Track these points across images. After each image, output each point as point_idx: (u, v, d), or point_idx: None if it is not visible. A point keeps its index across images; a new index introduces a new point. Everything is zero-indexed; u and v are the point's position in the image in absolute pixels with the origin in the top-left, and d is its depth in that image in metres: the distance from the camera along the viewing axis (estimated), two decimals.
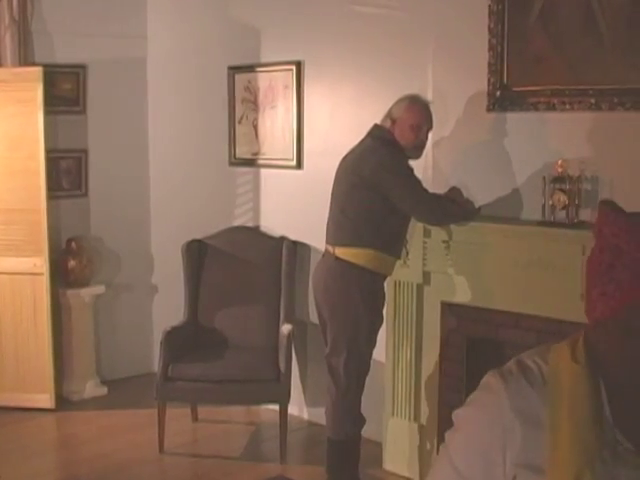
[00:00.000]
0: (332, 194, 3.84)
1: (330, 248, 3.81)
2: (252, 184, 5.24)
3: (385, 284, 3.86)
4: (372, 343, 3.83)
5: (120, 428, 4.90)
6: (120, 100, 5.67)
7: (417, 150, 3.78)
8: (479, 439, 1.22)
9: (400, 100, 3.79)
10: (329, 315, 3.80)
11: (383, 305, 3.86)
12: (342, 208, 3.76)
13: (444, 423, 4.09)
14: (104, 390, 5.46)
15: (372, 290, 3.75)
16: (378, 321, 3.84)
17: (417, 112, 3.74)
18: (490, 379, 1.24)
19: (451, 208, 3.80)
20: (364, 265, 3.69)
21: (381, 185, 3.63)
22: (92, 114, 5.53)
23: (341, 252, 3.73)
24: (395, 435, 4.27)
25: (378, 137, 3.75)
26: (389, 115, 3.78)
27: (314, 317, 4.07)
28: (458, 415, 1.28)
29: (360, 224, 3.70)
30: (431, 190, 3.84)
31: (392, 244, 3.79)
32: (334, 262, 3.75)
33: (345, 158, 3.83)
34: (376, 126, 3.80)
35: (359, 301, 3.71)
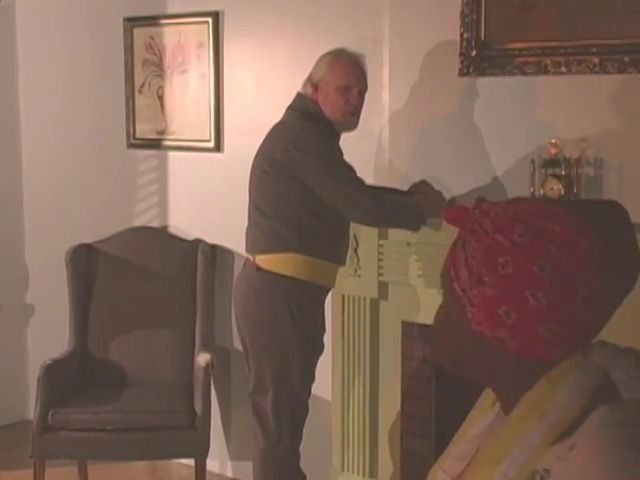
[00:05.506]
0: (248, 187, 3.87)
1: (250, 256, 3.85)
2: (158, 172, 5.24)
3: (326, 299, 3.88)
4: (308, 376, 3.84)
5: None
6: None
7: (350, 118, 3.77)
8: None
9: (321, 58, 3.80)
10: (250, 340, 3.84)
11: (322, 326, 3.89)
12: (256, 203, 3.81)
13: (408, 478, 4.07)
14: None
15: (304, 307, 3.76)
16: (314, 347, 3.85)
17: (343, 69, 3.74)
18: None
19: (399, 204, 3.76)
20: (292, 275, 3.72)
21: (294, 169, 3.65)
22: None
23: (262, 260, 3.77)
24: None
25: (297, 109, 3.77)
26: (309, 79, 3.79)
27: (239, 344, 4.08)
28: None
29: (279, 222, 3.72)
30: (389, 183, 3.82)
31: (326, 245, 3.78)
32: (255, 273, 3.79)
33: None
34: (298, 95, 3.83)
35: (287, 321, 3.73)
